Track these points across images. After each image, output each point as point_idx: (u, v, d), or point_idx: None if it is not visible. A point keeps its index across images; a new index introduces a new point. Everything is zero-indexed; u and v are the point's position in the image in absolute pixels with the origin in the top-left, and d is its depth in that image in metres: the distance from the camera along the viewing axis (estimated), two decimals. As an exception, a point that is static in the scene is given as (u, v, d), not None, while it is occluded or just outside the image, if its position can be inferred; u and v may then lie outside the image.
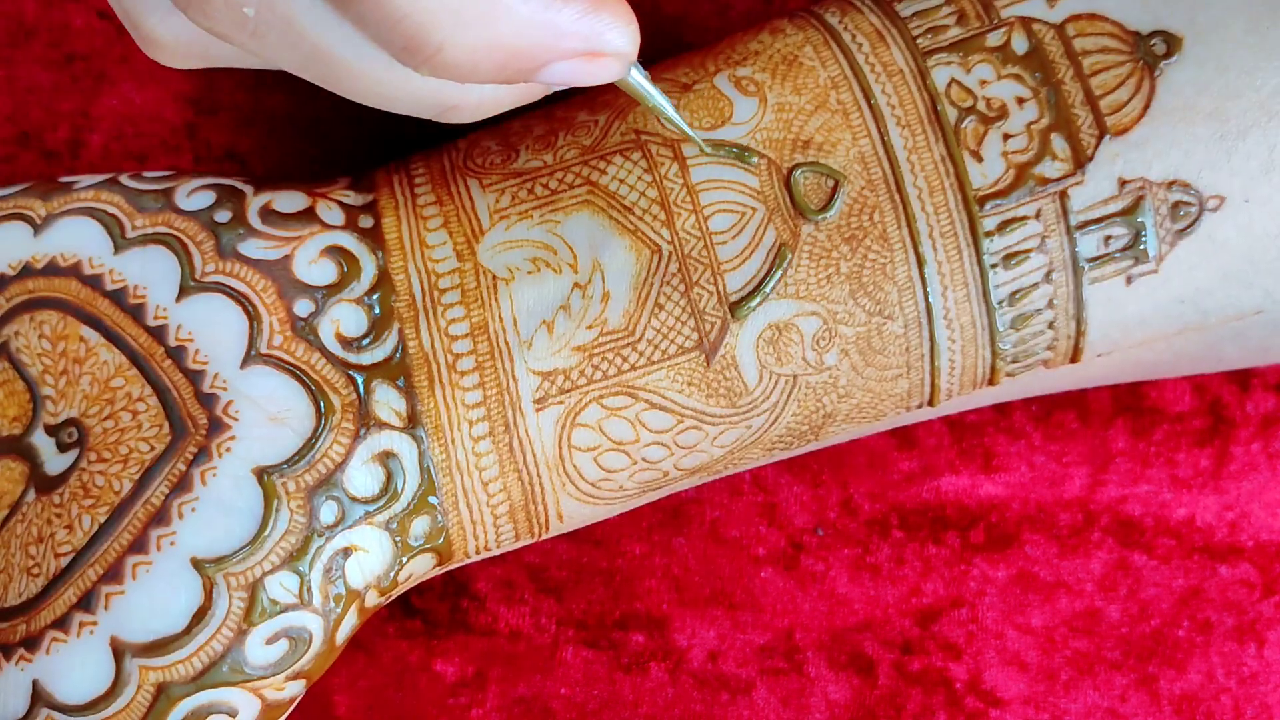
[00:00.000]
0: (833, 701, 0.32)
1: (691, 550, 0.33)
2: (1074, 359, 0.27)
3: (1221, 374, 0.33)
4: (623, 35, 0.21)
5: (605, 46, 0.21)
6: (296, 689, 0.26)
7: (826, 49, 0.27)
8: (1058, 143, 0.26)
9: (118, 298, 0.27)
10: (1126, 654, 0.32)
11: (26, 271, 0.27)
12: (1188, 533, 0.32)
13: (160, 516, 0.25)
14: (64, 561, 0.26)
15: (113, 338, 0.27)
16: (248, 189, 0.28)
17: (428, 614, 0.32)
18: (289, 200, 0.28)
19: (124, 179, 0.28)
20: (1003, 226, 0.26)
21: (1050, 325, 0.26)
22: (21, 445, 0.27)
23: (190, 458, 0.26)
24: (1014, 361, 0.27)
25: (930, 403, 0.27)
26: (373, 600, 0.27)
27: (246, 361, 0.26)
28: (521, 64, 0.20)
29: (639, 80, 0.24)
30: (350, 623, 0.26)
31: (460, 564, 0.28)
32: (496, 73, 0.20)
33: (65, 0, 0.34)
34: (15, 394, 0.27)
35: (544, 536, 0.28)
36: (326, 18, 0.21)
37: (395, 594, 0.28)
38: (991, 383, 0.27)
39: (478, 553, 0.28)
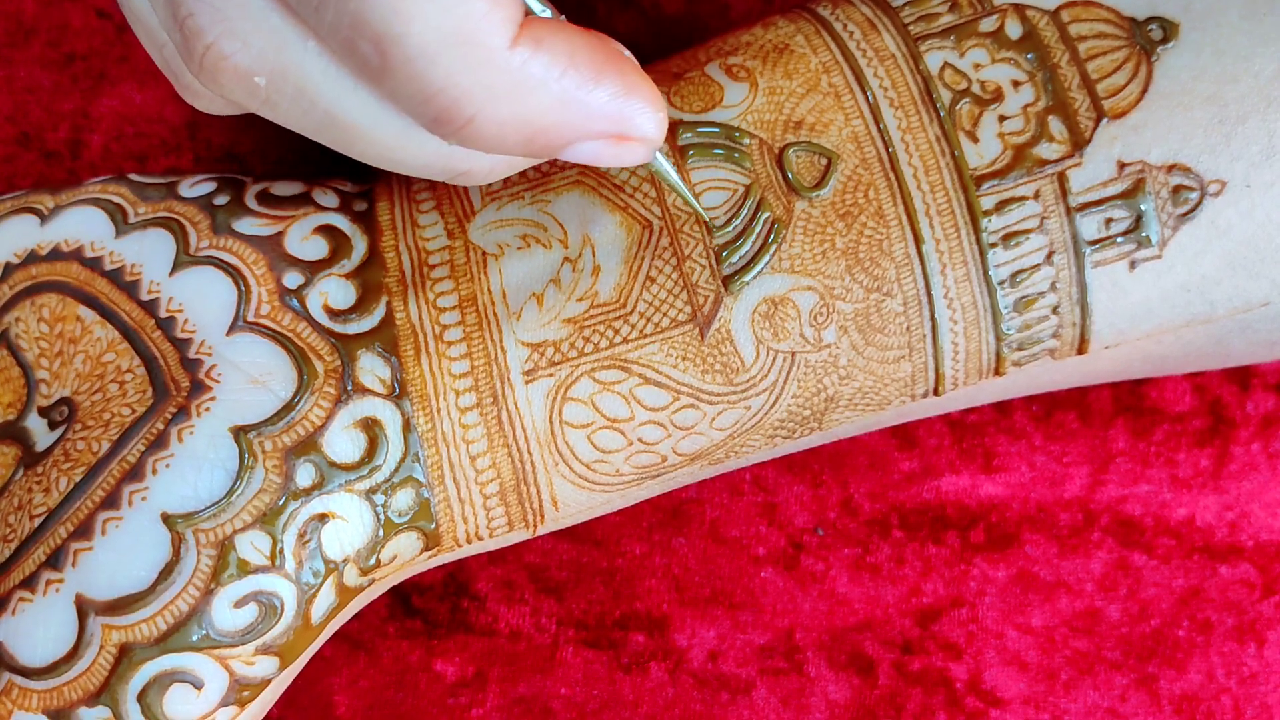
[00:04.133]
0: (833, 701, 0.32)
1: (691, 550, 0.33)
2: (1081, 349, 0.27)
3: (1221, 374, 0.33)
4: (651, 121, 0.21)
5: (633, 131, 0.21)
6: (268, 667, 0.26)
7: (818, 37, 0.27)
8: (1055, 125, 0.26)
9: (115, 276, 0.27)
10: (1126, 654, 0.32)
11: (31, 258, 0.28)
12: (1188, 533, 0.32)
13: (134, 472, 0.25)
14: (38, 522, 0.26)
15: (107, 314, 0.27)
16: (248, 179, 0.28)
17: (428, 614, 0.32)
18: (286, 186, 0.28)
19: (132, 176, 0.29)
20: (1001, 206, 0.26)
21: (1054, 310, 0.26)
22: (15, 429, 0.27)
23: (169, 417, 0.26)
24: (1019, 349, 0.27)
25: (935, 391, 0.27)
26: (353, 578, 0.26)
27: (233, 329, 0.26)
28: (548, 140, 0.21)
29: (661, 163, 0.25)
30: (328, 599, 0.26)
31: (452, 554, 0.28)
32: (523, 147, 0.21)
33: (65, 0, 0.34)
34: (11, 380, 0.27)
35: (540, 529, 0.28)
36: (341, 85, 0.21)
37: (380, 578, 0.27)
38: (998, 372, 0.27)
39: (469, 540, 0.27)
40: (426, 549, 0.27)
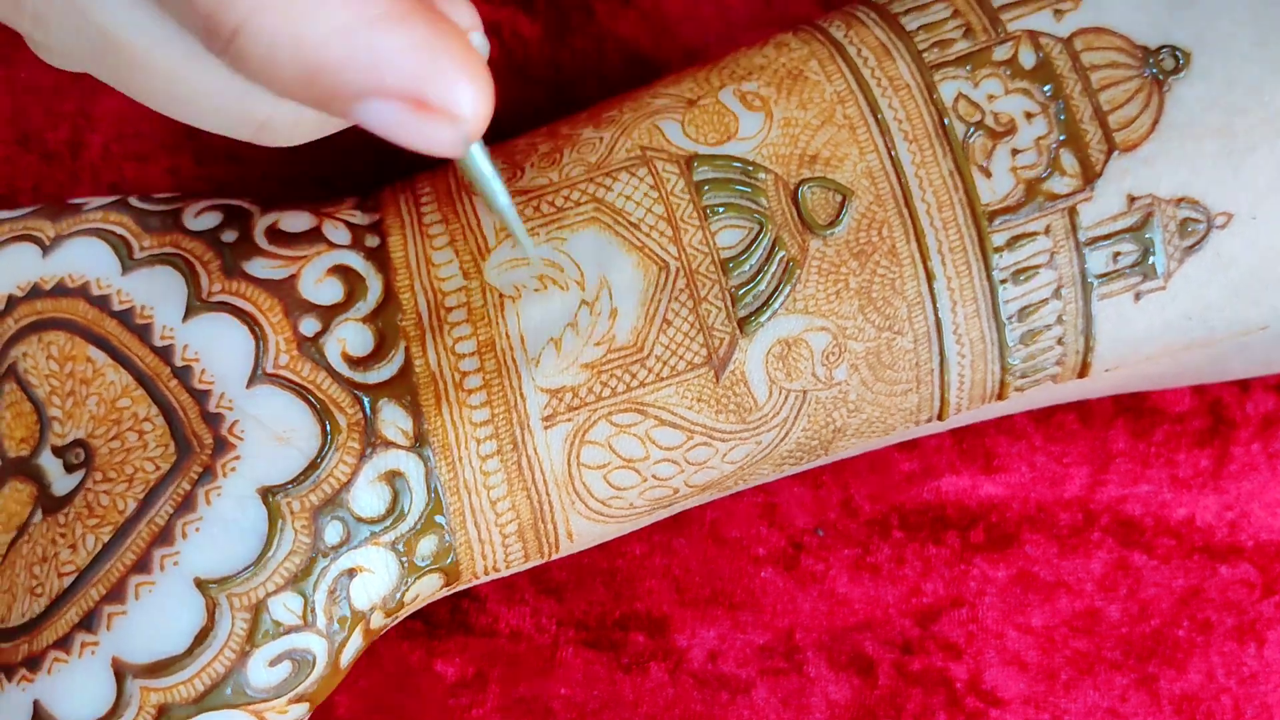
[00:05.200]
0: (833, 701, 0.32)
1: (691, 550, 0.33)
2: (1082, 374, 0.27)
3: (1221, 375, 0.33)
4: (465, 93, 0.17)
5: (436, 98, 0.17)
6: (299, 712, 0.26)
7: (832, 63, 0.27)
8: (1067, 158, 0.26)
9: (125, 318, 0.27)
10: (1126, 654, 0.32)
11: (35, 293, 0.27)
12: (1188, 533, 0.32)
13: (164, 536, 0.25)
14: (67, 581, 0.26)
15: (120, 358, 0.26)
16: (254, 209, 0.28)
17: (428, 615, 0.32)
18: (295, 220, 0.28)
19: (132, 200, 0.28)
20: (1012, 242, 0.26)
21: (1059, 341, 0.26)
22: (29, 466, 0.27)
23: (195, 477, 0.26)
24: (1023, 377, 0.27)
25: (939, 416, 0.27)
26: (378, 621, 0.27)
27: (253, 381, 0.26)
28: (331, 83, 0.17)
29: (478, 161, 0.20)
30: (355, 645, 0.26)
31: (468, 585, 0.28)
32: (303, 86, 0.17)
33: (65, 0, 0.34)
34: (23, 415, 0.27)
35: (554, 556, 0.28)
36: None
37: (402, 615, 0.28)
38: (1000, 398, 0.27)
39: (486, 573, 0.27)
40: (446, 585, 0.27)
